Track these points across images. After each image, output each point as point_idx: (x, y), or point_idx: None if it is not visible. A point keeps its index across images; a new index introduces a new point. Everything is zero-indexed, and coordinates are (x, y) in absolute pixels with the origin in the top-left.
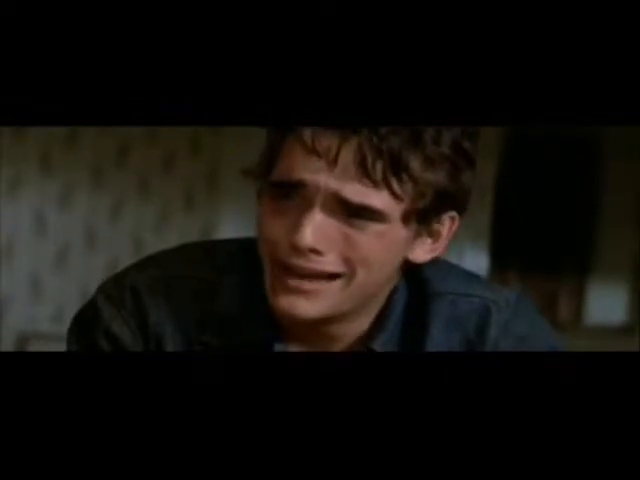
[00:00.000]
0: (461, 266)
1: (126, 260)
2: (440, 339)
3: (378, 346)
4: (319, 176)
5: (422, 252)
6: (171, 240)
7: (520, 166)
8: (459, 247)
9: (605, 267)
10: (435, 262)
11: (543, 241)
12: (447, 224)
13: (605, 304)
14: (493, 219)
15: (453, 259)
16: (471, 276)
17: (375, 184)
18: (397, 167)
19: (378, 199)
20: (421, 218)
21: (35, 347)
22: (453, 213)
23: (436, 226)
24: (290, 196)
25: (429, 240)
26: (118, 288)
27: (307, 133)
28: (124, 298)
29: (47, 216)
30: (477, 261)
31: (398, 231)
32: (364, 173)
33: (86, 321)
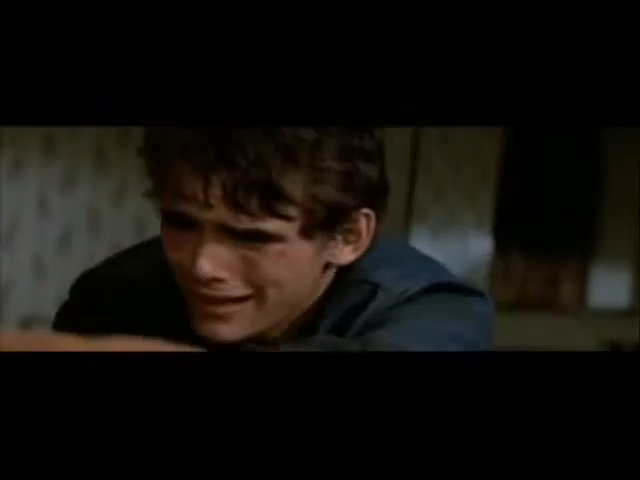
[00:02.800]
0: (418, 253)
1: (129, 243)
2: (328, 331)
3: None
4: (198, 212)
5: (344, 254)
6: None
7: (524, 150)
8: (463, 231)
9: (608, 251)
10: (384, 250)
11: (546, 225)
12: (363, 222)
13: (608, 288)
14: (497, 203)
15: (457, 243)
16: (411, 265)
17: (256, 215)
18: (273, 196)
19: (266, 224)
20: (325, 227)
21: (39, 330)
22: (366, 210)
23: (350, 226)
24: (183, 226)
25: (348, 241)
26: (81, 284)
27: (173, 177)
28: (84, 293)
29: (50, 199)
30: (481, 245)
31: (300, 246)
32: (240, 209)
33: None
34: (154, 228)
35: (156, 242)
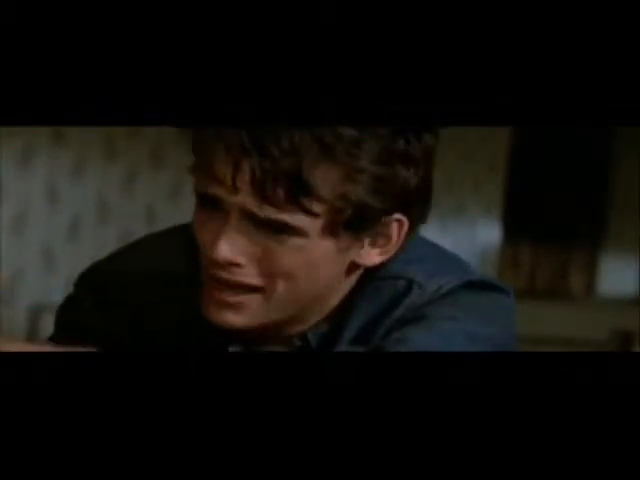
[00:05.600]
0: (443, 249)
1: (138, 232)
2: (359, 325)
3: (312, 337)
4: (226, 195)
5: (370, 256)
6: (183, 211)
7: (534, 139)
8: (471, 220)
9: (617, 240)
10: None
11: (556, 213)
12: (394, 227)
13: (616, 277)
14: (506, 191)
15: (466, 232)
16: (439, 261)
17: (280, 206)
18: (300, 189)
19: (290, 217)
20: (350, 228)
21: (48, 319)
22: (398, 216)
23: (381, 230)
24: (212, 208)
25: (377, 244)
26: (88, 278)
27: (205, 158)
28: (88, 289)
29: (59, 187)
30: (490, 234)
31: (321, 243)
32: (264, 198)
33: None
34: (164, 217)
35: (162, 235)
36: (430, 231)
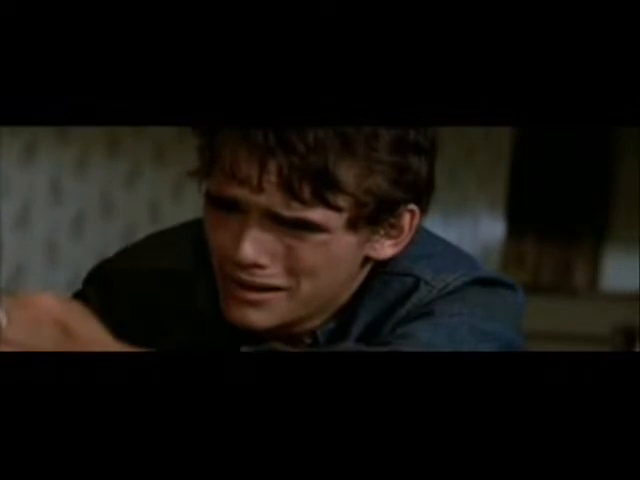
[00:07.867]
0: (451, 245)
1: (142, 227)
2: (367, 322)
3: (321, 334)
4: (249, 196)
5: (384, 248)
6: (187, 207)
7: (537, 135)
8: (475, 215)
9: (621, 235)
10: (419, 244)
11: (559, 208)
12: (407, 218)
13: (621, 272)
14: (510, 187)
15: (469, 228)
16: (447, 258)
17: (307, 203)
18: (326, 185)
19: (314, 213)
20: (371, 221)
21: None
22: (411, 206)
23: (394, 221)
24: (229, 209)
25: (390, 236)
26: (95, 276)
27: (226, 159)
28: (96, 287)
29: (63, 183)
30: (493, 229)
31: (344, 238)
32: (292, 196)
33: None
34: (167, 213)
35: (168, 233)
36: (433, 227)
